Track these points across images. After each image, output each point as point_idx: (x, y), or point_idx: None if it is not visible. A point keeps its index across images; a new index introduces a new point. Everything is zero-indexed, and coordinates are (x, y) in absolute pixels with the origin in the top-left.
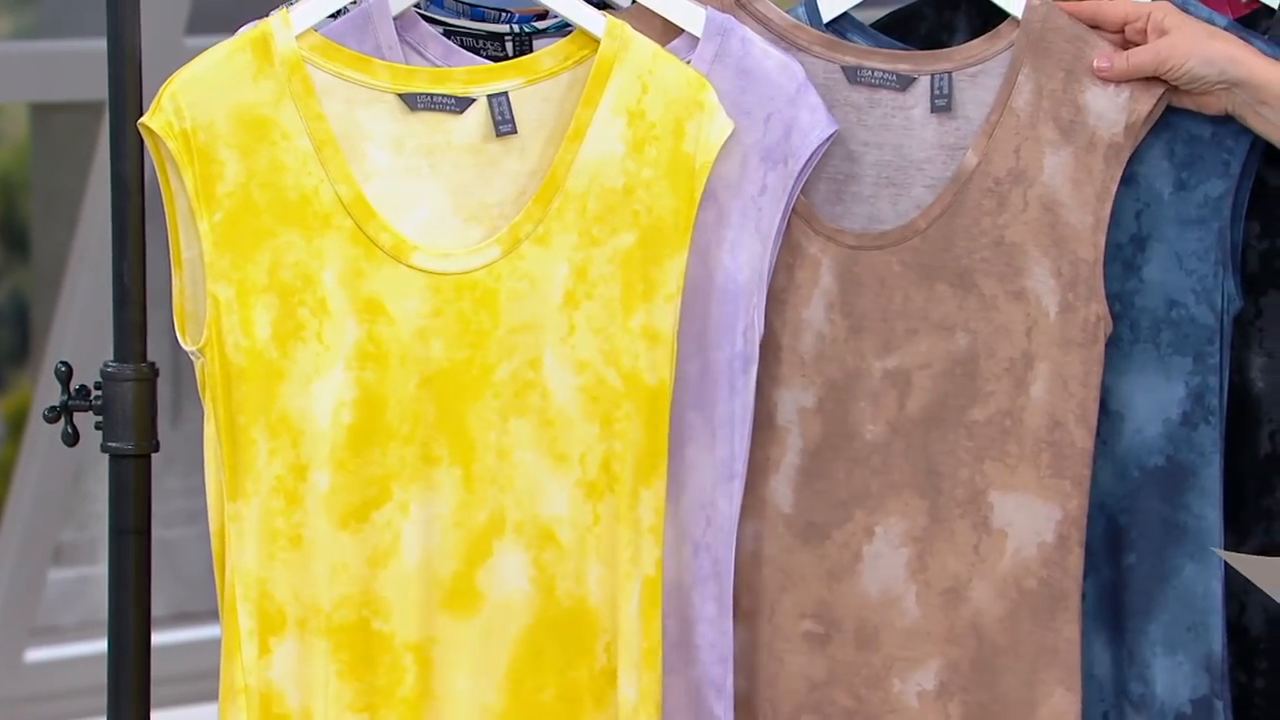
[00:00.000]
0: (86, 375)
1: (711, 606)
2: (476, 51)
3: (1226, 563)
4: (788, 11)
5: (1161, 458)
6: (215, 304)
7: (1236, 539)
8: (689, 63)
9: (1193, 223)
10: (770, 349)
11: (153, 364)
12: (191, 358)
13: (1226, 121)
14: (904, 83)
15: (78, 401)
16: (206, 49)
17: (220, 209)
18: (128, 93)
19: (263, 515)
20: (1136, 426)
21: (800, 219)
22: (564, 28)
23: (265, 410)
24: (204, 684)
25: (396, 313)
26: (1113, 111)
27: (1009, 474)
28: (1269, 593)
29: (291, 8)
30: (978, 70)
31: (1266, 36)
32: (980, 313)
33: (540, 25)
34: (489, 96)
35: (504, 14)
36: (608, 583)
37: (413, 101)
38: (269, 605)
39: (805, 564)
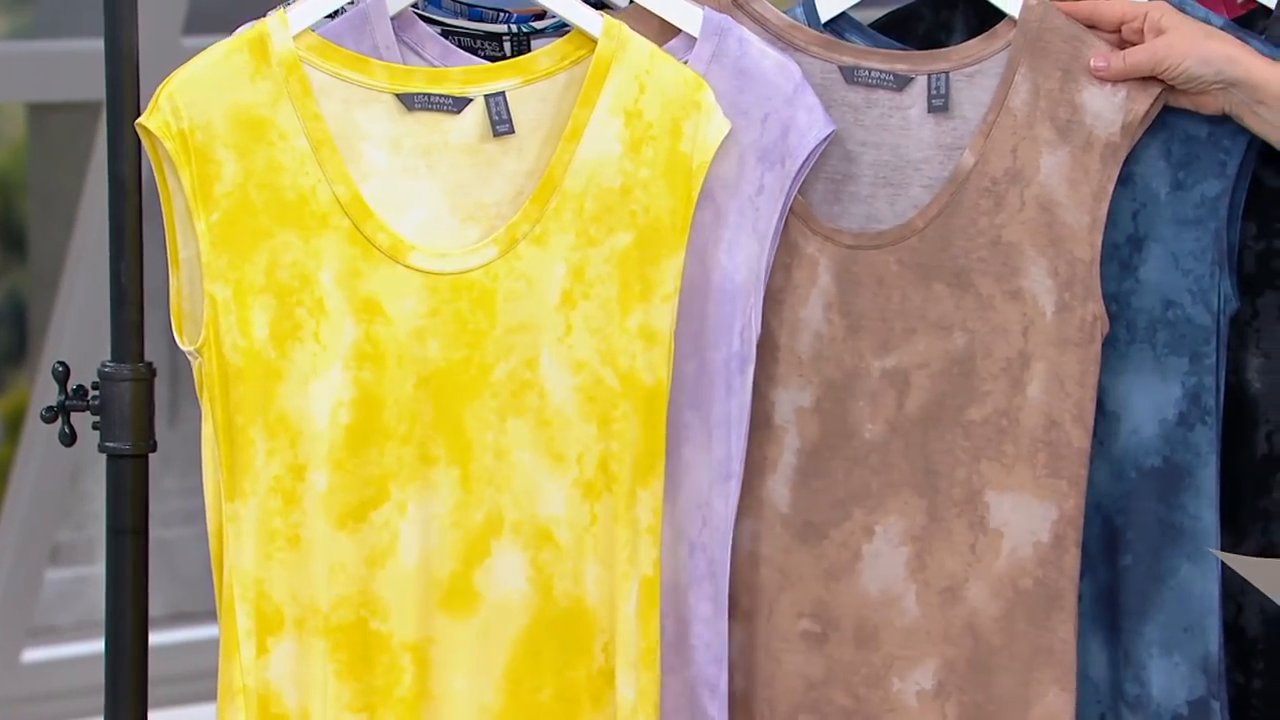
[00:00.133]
0: (84, 375)
1: (707, 606)
2: (474, 51)
3: (1223, 564)
4: (785, 11)
5: (1158, 458)
6: (213, 304)
7: (1234, 540)
8: (686, 63)
9: (1189, 223)
10: (768, 349)
11: (150, 364)
12: (189, 358)
13: (1223, 121)
14: (901, 83)
15: (75, 401)
16: (204, 49)
17: (218, 209)
18: (125, 93)
19: (261, 515)
20: (1133, 427)
21: (798, 219)
22: (562, 28)
23: (263, 410)
24: (202, 684)
25: (394, 313)
26: (1109, 111)
27: (1005, 474)
28: (1267, 593)
29: (289, 8)
30: (975, 70)
31: (1264, 36)
32: (977, 312)
33: (538, 25)
34: (486, 96)
35: (502, 14)
36: (605, 582)
37: (410, 101)
38: (267, 605)
39: (803, 563)
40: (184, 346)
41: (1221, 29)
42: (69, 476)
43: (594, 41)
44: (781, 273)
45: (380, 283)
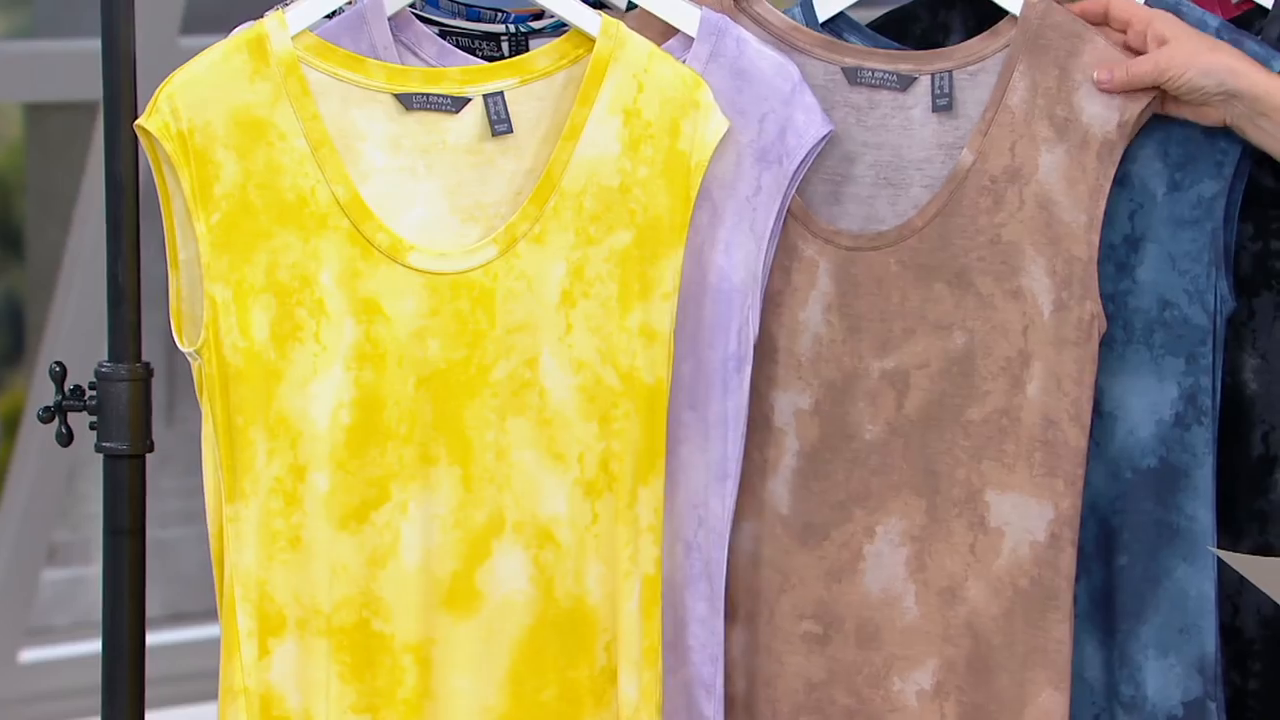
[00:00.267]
0: (81, 375)
1: (703, 606)
2: (472, 51)
3: (1219, 564)
4: (783, 11)
5: (1154, 459)
6: (213, 305)
7: (1230, 540)
8: (683, 63)
9: (1186, 223)
10: (768, 351)
11: (147, 364)
12: (189, 359)
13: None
14: (905, 83)
15: (72, 402)
16: (201, 49)
17: (217, 210)
18: (122, 93)
19: (262, 516)
20: (1129, 428)
21: (797, 221)
22: (560, 28)
23: (263, 411)
24: (199, 684)
25: (393, 313)
26: (1105, 109)
27: (1006, 473)
28: (1266, 591)
29: (287, 8)
30: (977, 69)
31: (1259, 37)
32: (977, 312)
33: (536, 25)
34: (485, 96)
35: (499, 14)
36: (607, 582)
37: (408, 101)
38: (269, 606)
39: (804, 565)
40: (184, 348)
41: (1217, 29)
42: (66, 477)
43: (592, 41)
44: (781, 275)
45: (380, 283)
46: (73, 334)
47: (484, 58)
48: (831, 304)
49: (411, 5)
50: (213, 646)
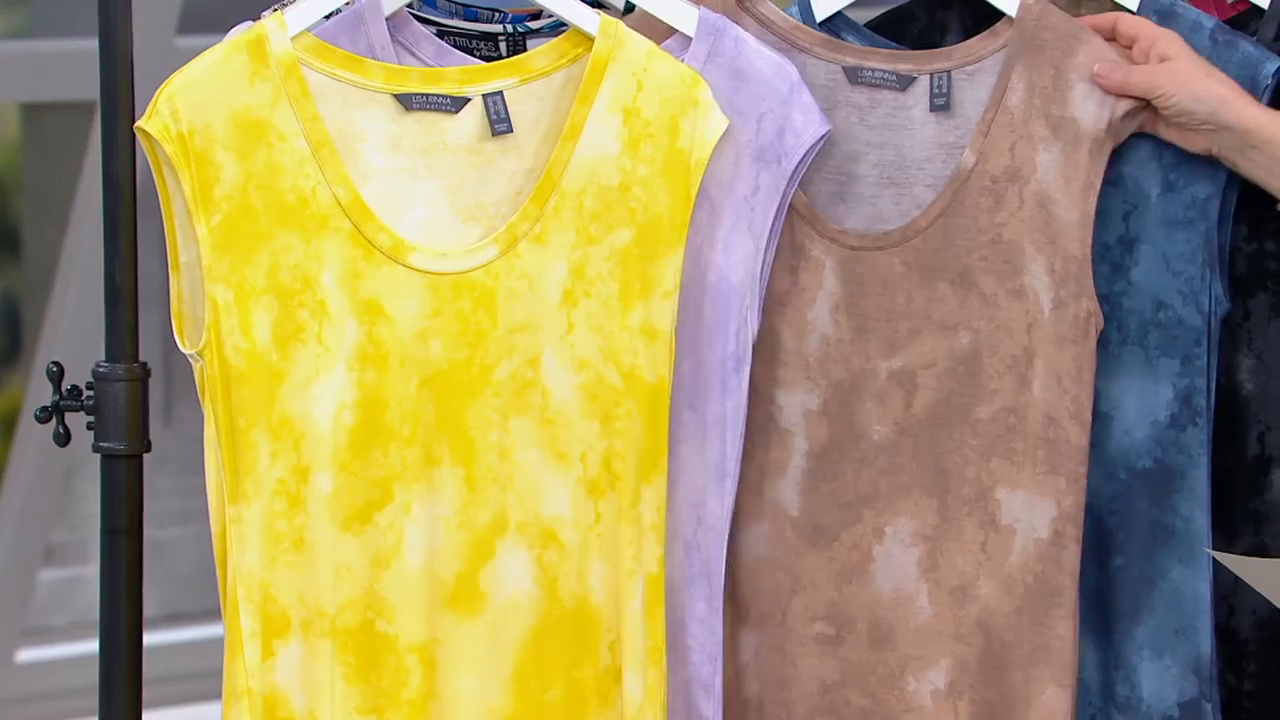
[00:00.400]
0: (78, 375)
1: (702, 606)
2: (469, 51)
3: (1215, 565)
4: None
5: (1149, 460)
6: (214, 307)
7: (1226, 541)
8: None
9: (1180, 224)
10: (775, 352)
11: (145, 364)
12: (190, 361)
13: None
14: (904, 82)
15: (69, 401)
16: (198, 49)
17: (218, 212)
18: (119, 93)
19: (265, 518)
20: (1125, 428)
21: (803, 221)
22: (557, 28)
23: (266, 413)
24: (196, 684)
25: (395, 313)
26: (1099, 108)
27: (1015, 471)
28: (1262, 592)
29: (286, 9)
30: (975, 69)
31: (1255, 38)
32: (982, 311)
33: (534, 25)
34: (484, 96)
35: (497, 14)
36: (611, 581)
37: (408, 102)
38: (272, 608)
39: (814, 566)
40: (185, 350)
41: (1213, 30)
42: (63, 477)
43: (591, 40)
44: (788, 275)
45: (382, 283)
46: (70, 334)
47: (481, 58)
48: (839, 304)
49: (409, 5)
50: (210, 646)
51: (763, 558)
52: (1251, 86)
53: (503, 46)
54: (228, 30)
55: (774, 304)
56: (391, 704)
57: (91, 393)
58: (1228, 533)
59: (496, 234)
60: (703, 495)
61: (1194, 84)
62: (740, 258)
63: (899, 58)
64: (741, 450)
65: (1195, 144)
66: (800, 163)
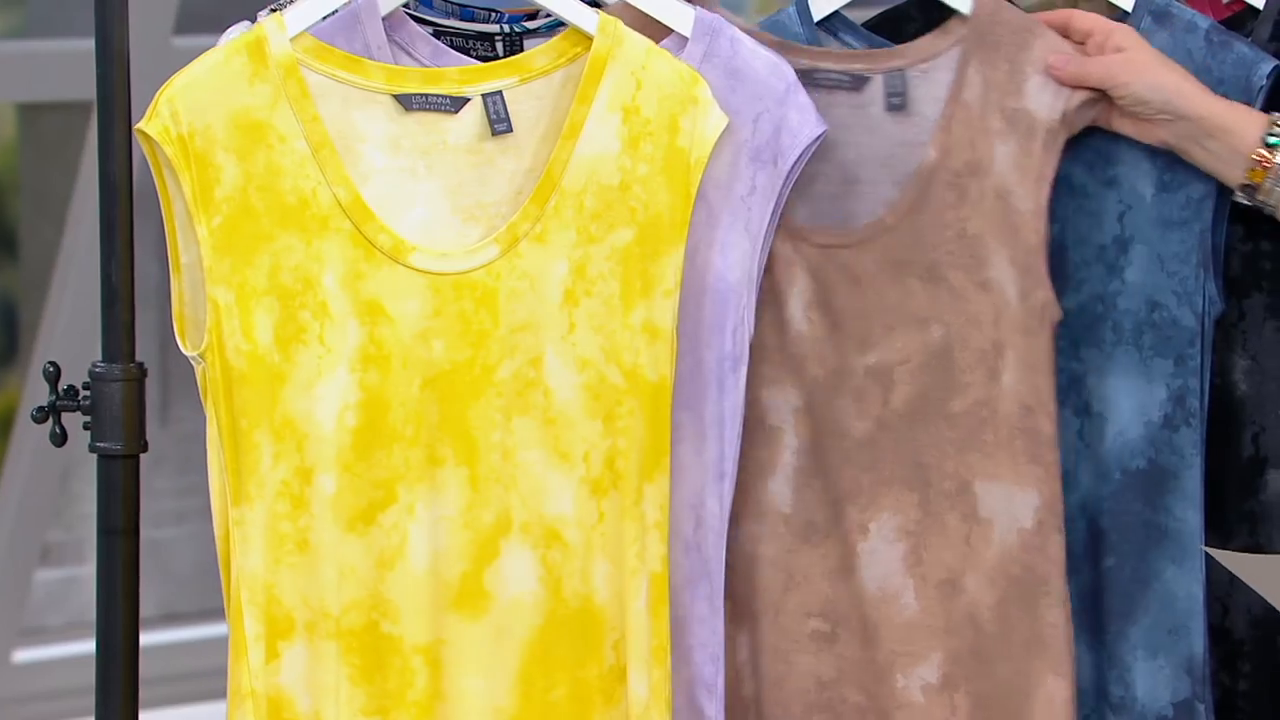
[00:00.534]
0: (75, 375)
1: (703, 606)
2: (466, 52)
3: (1208, 565)
4: (778, 11)
5: (1143, 460)
6: (215, 308)
7: (1221, 542)
8: None
9: (1175, 224)
10: (756, 350)
11: (141, 364)
12: (192, 363)
13: None
14: (858, 83)
15: (66, 402)
16: (194, 48)
17: (219, 213)
18: (116, 92)
19: (268, 519)
20: (1118, 429)
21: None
22: (555, 27)
23: (268, 414)
24: (193, 684)
25: (397, 314)
26: (1053, 99)
27: (990, 463)
28: (1257, 589)
29: (285, 10)
30: (929, 66)
31: (1250, 39)
32: (951, 305)
33: (530, 25)
34: (484, 96)
35: (494, 14)
36: (614, 580)
37: (408, 102)
38: (276, 610)
39: (808, 563)
40: (187, 352)
41: (1208, 30)
42: (60, 477)
43: (589, 38)
44: (762, 275)
45: (383, 284)
46: (67, 334)
47: (478, 58)
48: (812, 302)
49: (405, 5)
50: (206, 646)
51: (756, 556)
52: (1246, 87)
53: (500, 46)
54: (224, 30)
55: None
56: (397, 705)
57: (88, 393)
58: (1222, 533)
59: (497, 234)
60: (701, 495)
61: (1149, 73)
62: (737, 257)
63: (852, 58)
64: (739, 450)
65: (1150, 135)
66: (796, 163)
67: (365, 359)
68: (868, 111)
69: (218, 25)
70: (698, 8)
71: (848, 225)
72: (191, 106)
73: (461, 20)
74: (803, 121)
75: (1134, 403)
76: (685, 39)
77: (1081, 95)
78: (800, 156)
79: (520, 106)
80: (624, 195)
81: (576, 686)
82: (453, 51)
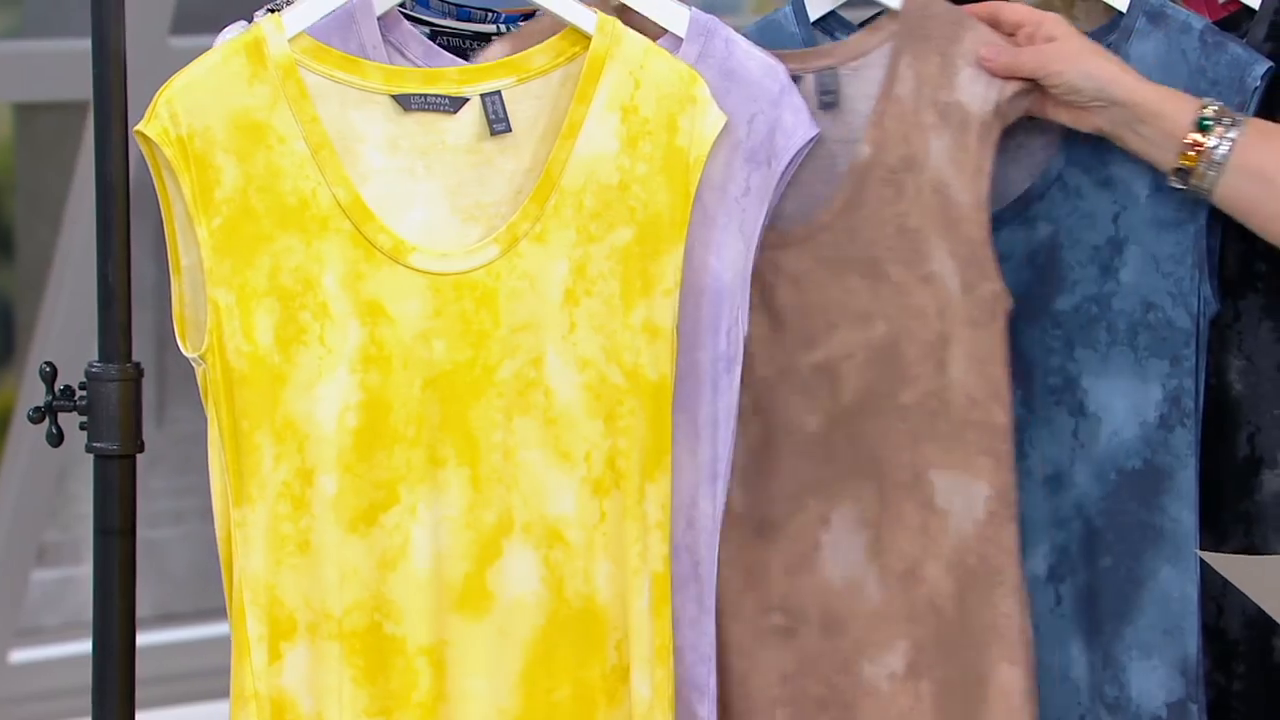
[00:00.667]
0: (71, 375)
1: (693, 608)
2: (462, 52)
3: (1203, 566)
4: (773, 11)
5: (1138, 460)
6: (216, 310)
7: (1215, 542)
8: None
9: (1170, 225)
10: None
11: (138, 364)
12: (193, 364)
13: None
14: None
15: (62, 402)
16: (191, 49)
17: (218, 214)
18: (112, 92)
19: (270, 521)
20: (1114, 429)
21: None
22: None
23: (269, 415)
24: (190, 684)
25: (398, 314)
26: (986, 90)
27: (943, 454)
28: (1248, 593)
29: (284, 10)
30: (860, 64)
31: (1245, 40)
32: (894, 300)
33: (527, 25)
34: (482, 96)
35: (490, 14)
36: (617, 580)
37: (406, 102)
38: (278, 611)
39: (764, 560)
40: (187, 353)
41: (1203, 31)
42: (56, 477)
43: (588, 38)
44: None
45: (383, 284)
46: (63, 334)
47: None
48: (754, 303)
49: (401, 5)
50: (203, 647)
51: None
52: (1240, 88)
53: None
54: (221, 30)
55: None
56: (400, 706)
57: (84, 393)
58: (1217, 534)
59: (497, 234)
60: (694, 496)
61: (1082, 61)
62: (731, 258)
63: (783, 58)
64: (732, 450)
65: (1085, 122)
66: (790, 164)
67: (366, 360)
68: None
69: (214, 25)
70: (693, 8)
71: (785, 226)
72: (190, 108)
73: (458, 20)
74: (797, 123)
75: (1129, 403)
76: (680, 39)
77: (1014, 86)
78: (794, 158)
79: (519, 106)
80: (623, 194)
81: (579, 687)
82: (445, 52)
